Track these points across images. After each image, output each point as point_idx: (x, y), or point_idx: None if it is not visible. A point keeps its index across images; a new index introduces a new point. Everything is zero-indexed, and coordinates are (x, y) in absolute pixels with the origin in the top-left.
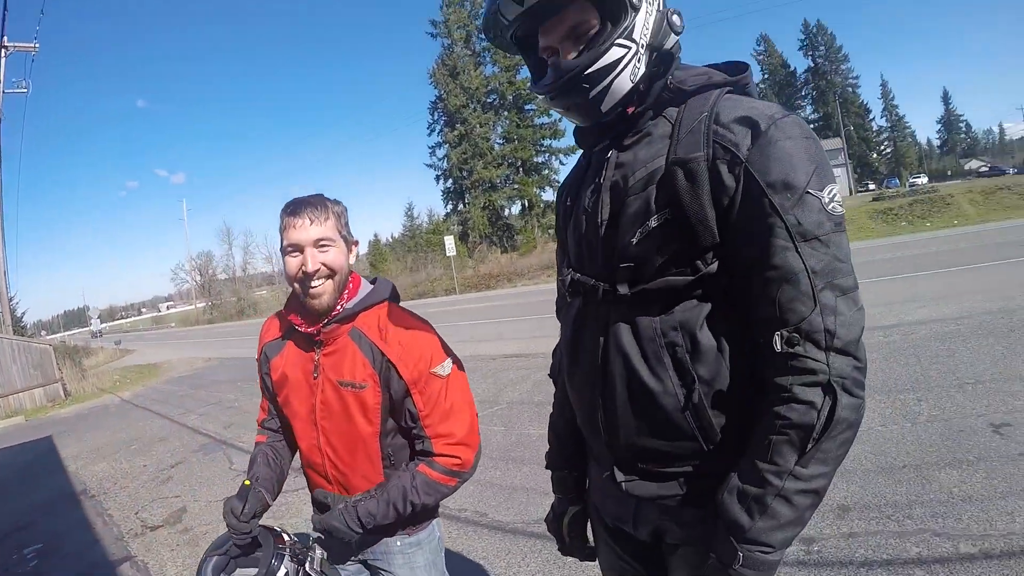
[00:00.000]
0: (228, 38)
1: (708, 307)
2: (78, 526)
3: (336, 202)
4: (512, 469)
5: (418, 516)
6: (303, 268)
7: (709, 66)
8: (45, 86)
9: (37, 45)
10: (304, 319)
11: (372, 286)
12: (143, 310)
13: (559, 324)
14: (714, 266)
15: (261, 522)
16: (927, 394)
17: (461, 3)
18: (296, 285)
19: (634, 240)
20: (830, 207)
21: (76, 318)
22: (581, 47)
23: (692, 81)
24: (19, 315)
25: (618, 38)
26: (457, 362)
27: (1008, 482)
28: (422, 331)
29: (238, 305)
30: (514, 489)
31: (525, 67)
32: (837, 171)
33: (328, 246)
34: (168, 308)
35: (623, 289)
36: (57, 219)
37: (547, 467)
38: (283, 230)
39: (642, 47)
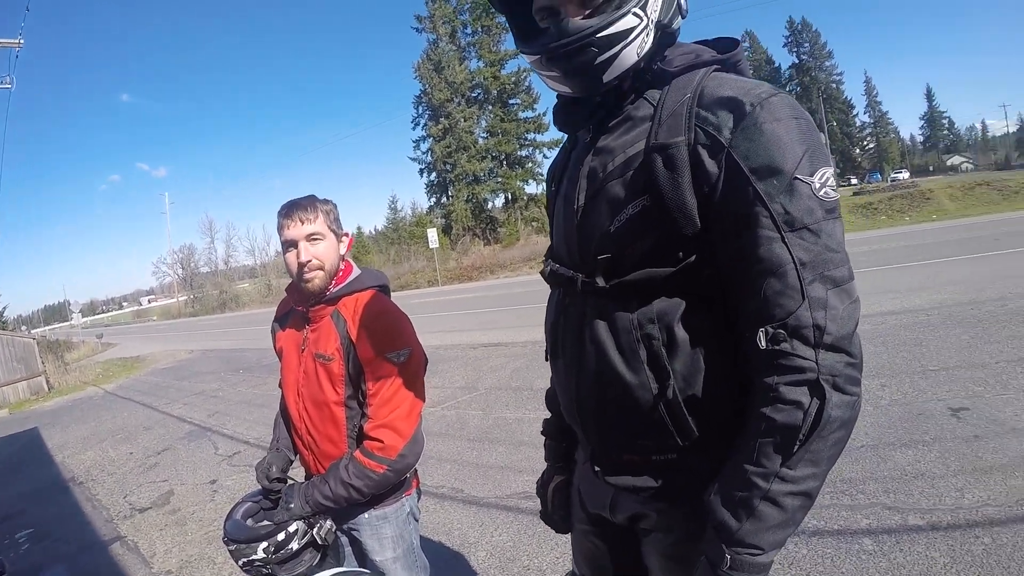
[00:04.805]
0: (212, 31)
1: (688, 300)
2: (68, 511)
3: (325, 201)
4: (488, 449)
5: (385, 492)
6: (298, 260)
7: (699, 42)
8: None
9: (22, 41)
10: (299, 300)
11: (360, 274)
12: (124, 304)
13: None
14: (696, 257)
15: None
16: (891, 380)
17: None
18: (294, 274)
19: (611, 228)
20: (821, 193)
21: (57, 313)
22: (587, 11)
23: (679, 60)
24: (0, 310)
25: (634, 7)
26: (418, 355)
27: (960, 461)
28: (390, 318)
29: (220, 298)
30: (489, 467)
31: (510, 62)
32: None
33: (318, 240)
34: (150, 302)
35: (601, 281)
36: (38, 214)
37: (542, 432)
38: (279, 229)
39: (652, 22)
